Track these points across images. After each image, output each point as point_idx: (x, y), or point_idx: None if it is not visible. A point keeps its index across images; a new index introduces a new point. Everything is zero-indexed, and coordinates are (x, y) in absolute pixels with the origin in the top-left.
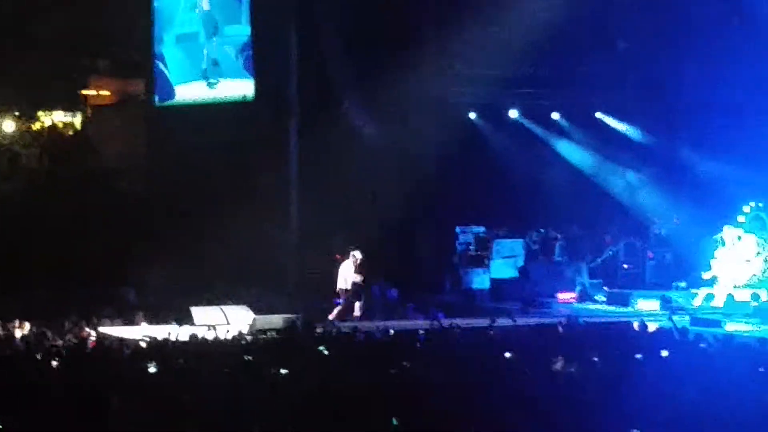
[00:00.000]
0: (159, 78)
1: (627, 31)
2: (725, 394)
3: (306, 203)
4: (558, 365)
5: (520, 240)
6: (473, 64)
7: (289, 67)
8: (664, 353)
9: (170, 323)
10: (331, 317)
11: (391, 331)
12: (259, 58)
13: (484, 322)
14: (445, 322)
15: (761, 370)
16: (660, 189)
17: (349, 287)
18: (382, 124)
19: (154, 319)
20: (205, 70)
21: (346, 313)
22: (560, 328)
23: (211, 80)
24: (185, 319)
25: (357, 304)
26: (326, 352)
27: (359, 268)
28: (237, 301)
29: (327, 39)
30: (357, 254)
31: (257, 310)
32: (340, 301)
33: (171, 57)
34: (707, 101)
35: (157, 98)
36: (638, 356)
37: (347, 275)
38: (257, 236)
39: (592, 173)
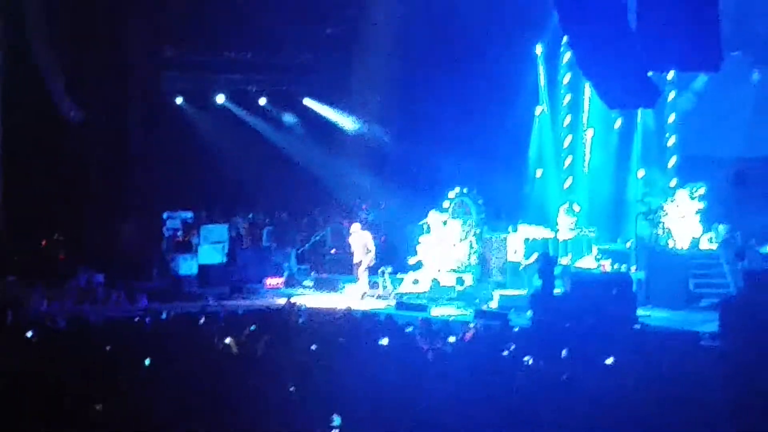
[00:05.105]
0: None
1: (334, 16)
2: (427, 376)
3: (12, 189)
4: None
5: (227, 225)
6: (180, 48)
7: None
8: (384, 341)
9: None
10: None
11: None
12: None
13: (192, 307)
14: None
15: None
16: (368, 174)
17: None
18: (89, 108)
19: None
20: None
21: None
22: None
23: None
24: None
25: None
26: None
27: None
28: None
29: (34, 24)
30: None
31: None
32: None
33: None
34: (414, 87)
35: None
36: (341, 340)
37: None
38: None
39: (299, 159)
